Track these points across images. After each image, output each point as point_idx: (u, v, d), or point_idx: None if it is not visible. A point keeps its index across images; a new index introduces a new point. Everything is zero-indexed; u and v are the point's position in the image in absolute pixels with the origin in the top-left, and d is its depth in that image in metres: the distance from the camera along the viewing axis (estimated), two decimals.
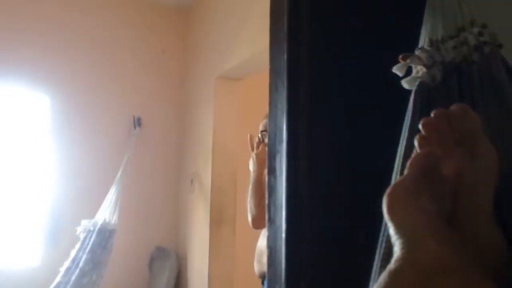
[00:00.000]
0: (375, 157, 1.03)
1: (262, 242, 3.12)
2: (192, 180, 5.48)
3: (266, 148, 3.19)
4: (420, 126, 0.71)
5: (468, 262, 0.57)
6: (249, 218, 3.18)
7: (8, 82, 5.28)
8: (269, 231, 1.21)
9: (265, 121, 3.32)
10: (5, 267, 5.13)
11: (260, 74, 2.98)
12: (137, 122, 5.69)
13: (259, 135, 3.30)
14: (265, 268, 2.99)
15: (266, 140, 3.22)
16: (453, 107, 0.71)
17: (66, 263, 4.83)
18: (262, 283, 3.15)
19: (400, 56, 0.91)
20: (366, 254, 0.87)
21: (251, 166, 3.26)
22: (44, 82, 5.41)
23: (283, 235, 1.15)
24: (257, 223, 3.15)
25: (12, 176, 5.30)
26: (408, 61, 0.89)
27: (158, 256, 5.68)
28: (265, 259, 2.96)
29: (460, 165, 0.69)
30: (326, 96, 1.22)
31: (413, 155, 0.69)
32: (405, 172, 0.67)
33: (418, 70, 0.88)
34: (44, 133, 5.45)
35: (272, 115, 1.27)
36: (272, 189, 1.23)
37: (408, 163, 0.68)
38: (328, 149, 1.21)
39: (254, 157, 3.25)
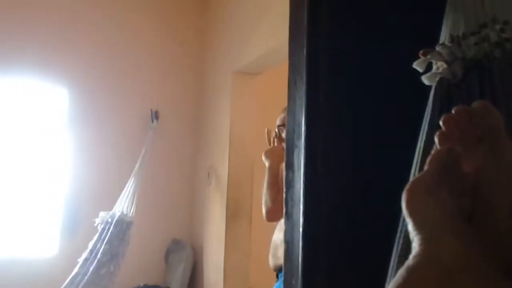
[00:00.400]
0: (394, 153, 1.03)
1: (277, 236, 3.12)
2: (208, 174, 5.49)
3: (283, 143, 3.19)
4: (441, 122, 0.71)
5: (487, 259, 0.57)
6: (264, 211, 3.19)
7: (26, 75, 5.32)
8: (286, 225, 1.22)
9: (282, 115, 3.31)
10: (23, 257, 5.18)
11: (279, 68, 2.97)
12: (155, 116, 5.70)
13: (276, 129, 3.30)
14: (280, 262, 2.98)
15: (284, 135, 3.22)
16: (475, 104, 0.70)
17: (84, 254, 4.86)
18: (277, 276, 3.15)
19: (421, 52, 0.90)
20: (384, 250, 0.87)
21: (265, 160, 3.27)
22: (62, 75, 5.44)
23: (300, 229, 1.15)
24: (271, 216, 3.16)
25: (31, 168, 5.35)
26: (428, 56, 0.89)
27: (174, 248, 5.70)
28: (280, 253, 2.96)
29: (480, 162, 0.68)
30: (345, 92, 1.22)
31: (433, 151, 0.69)
32: (425, 168, 0.67)
33: (439, 66, 0.88)
34: (62, 125, 5.49)
35: (290, 110, 1.27)
36: (289, 184, 1.23)
37: (428, 159, 0.67)
38: (347, 145, 1.21)
39: (266, 152, 3.26)
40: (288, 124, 1.29)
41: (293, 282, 1.16)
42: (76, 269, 4.74)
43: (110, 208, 5.07)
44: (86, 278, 4.69)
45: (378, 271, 0.86)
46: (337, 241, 1.15)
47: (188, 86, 5.94)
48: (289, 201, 1.22)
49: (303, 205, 1.16)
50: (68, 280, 4.70)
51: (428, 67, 0.92)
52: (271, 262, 3.16)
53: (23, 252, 5.20)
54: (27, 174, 5.31)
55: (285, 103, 1.32)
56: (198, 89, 5.94)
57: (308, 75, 1.21)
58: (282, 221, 3.22)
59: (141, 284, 5.35)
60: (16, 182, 5.26)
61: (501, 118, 0.70)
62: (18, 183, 5.27)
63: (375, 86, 1.21)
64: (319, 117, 1.20)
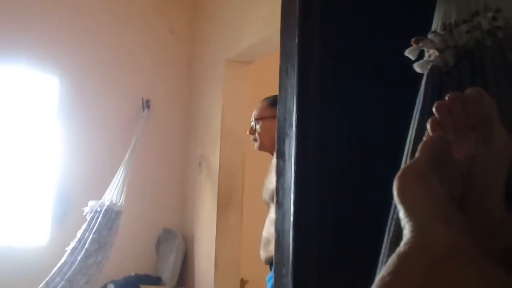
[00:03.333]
0: (385, 141, 1.03)
1: (268, 230, 3.14)
2: (200, 163, 5.48)
3: (256, 135, 3.22)
4: (433, 109, 0.70)
5: (478, 247, 0.57)
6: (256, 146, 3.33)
7: (17, 63, 5.29)
8: (277, 214, 1.22)
9: (259, 106, 3.37)
10: (14, 246, 5.17)
11: (271, 57, 2.97)
12: (146, 104, 5.69)
13: (252, 122, 3.34)
14: (271, 254, 2.99)
15: (258, 127, 3.26)
16: (468, 91, 0.70)
17: (72, 243, 4.86)
18: (270, 268, 3.17)
19: (413, 39, 0.90)
20: (375, 238, 0.87)
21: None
22: (53, 64, 5.41)
23: (291, 218, 1.15)
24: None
25: (20, 156, 5.33)
26: (420, 44, 0.88)
27: (165, 237, 5.70)
28: (271, 247, 2.96)
29: (472, 150, 0.68)
30: (337, 80, 1.22)
31: (424, 138, 0.68)
32: (416, 155, 0.67)
33: (431, 54, 0.88)
34: (52, 114, 5.46)
35: (281, 99, 1.27)
36: (281, 173, 1.23)
37: (419, 146, 0.67)
38: (338, 133, 1.20)
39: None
40: (279, 112, 1.28)
41: (284, 271, 1.16)
42: (64, 258, 4.74)
43: (100, 197, 5.07)
44: (73, 267, 4.69)
45: (370, 259, 0.86)
46: (328, 230, 1.15)
47: (180, 75, 5.92)
48: (280, 190, 1.22)
49: (294, 194, 1.16)
50: (55, 268, 4.70)
51: (420, 55, 0.91)
52: (263, 256, 3.18)
53: (14, 241, 5.19)
54: (18, 163, 5.29)
55: (276, 92, 1.32)
56: (189, 78, 5.92)
57: (300, 63, 1.21)
58: (272, 215, 3.21)
59: (132, 273, 5.35)
60: (6, 171, 5.24)
61: (495, 105, 0.70)
62: (9, 172, 5.25)
63: (367, 74, 1.20)
64: (311, 105, 1.20)
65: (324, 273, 1.14)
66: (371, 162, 1.14)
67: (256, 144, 3.35)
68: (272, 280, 2.98)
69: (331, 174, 1.18)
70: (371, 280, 0.60)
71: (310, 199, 1.16)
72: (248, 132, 3.38)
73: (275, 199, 1.24)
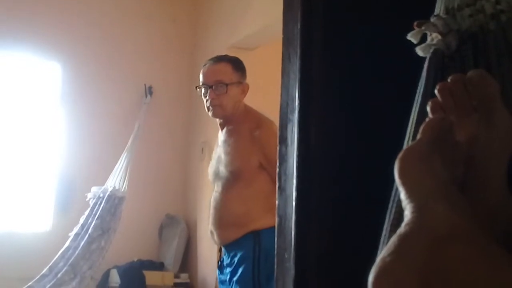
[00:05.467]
0: (388, 126, 1.03)
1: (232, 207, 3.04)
2: (202, 149, 5.49)
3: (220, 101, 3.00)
4: (436, 91, 0.70)
5: (478, 227, 0.57)
6: None
7: (19, 49, 5.28)
8: (279, 199, 1.22)
9: (221, 68, 3.14)
10: (18, 231, 5.20)
11: (274, 43, 2.95)
12: (148, 91, 5.69)
13: (209, 86, 3.09)
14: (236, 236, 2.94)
15: (220, 91, 2.98)
16: (471, 73, 0.70)
17: (76, 229, 4.88)
18: (220, 250, 3.15)
19: (415, 23, 0.90)
20: (377, 222, 0.87)
21: None
22: (56, 50, 5.41)
23: (293, 203, 1.15)
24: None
25: (23, 143, 5.34)
26: (423, 28, 0.88)
27: (168, 223, 5.72)
28: (234, 228, 2.90)
29: (474, 131, 0.68)
30: (339, 65, 1.21)
31: (426, 120, 0.68)
32: (418, 137, 0.67)
33: (433, 37, 0.87)
34: (55, 100, 5.46)
35: (284, 84, 1.26)
36: (283, 158, 1.23)
37: (421, 128, 0.67)
38: (340, 119, 1.20)
39: None
40: (282, 98, 1.28)
41: (286, 256, 1.16)
42: (67, 244, 4.77)
43: (103, 183, 5.08)
44: (76, 252, 4.72)
45: (372, 243, 0.86)
46: (330, 215, 1.16)
47: (182, 61, 5.92)
48: (282, 175, 1.22)
49: (296, 179, 1.16)
50: (59, 254, 4.73)
51: (423, 39, 0.91)
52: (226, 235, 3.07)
53: (17, 227, 5.22)
54: (21, 150, 5.30)
55: (280, 79, 1.32)
56: (192, 64, 5.91)
57: (302, 49, 1.21)
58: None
59: (135, 259, 5.38)
60: (10, 158, 5.25)
61: (497, 87, 0.69)
62: (12, 159, 5.26)
63: (370, 59, 1.20)
64: (313, 91, 1.19)
65: (326, 258, 1.14)
66: (373, 147, 1.14)
67: (216, 110, 3.09)
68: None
69: (334, 159, 1.18)
70: (373, 263, 0.60)
71: (313, 184, 1.16)
72: (209, 96, 3.08)
73: (277, 184, 1.24)
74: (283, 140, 1.24)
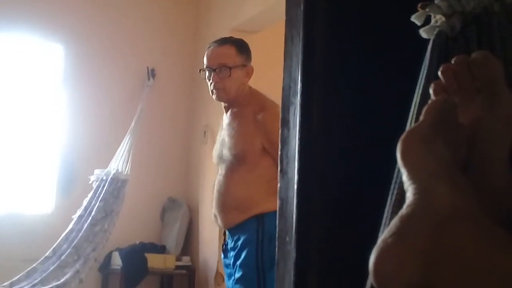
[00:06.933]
0: (391, 108, 1.02)
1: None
2: (205, 132, 5.49)
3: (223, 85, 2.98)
4: (439, 73, 0.70)
5: (481, 209, 0.57)
6: None
7: (22, 31, 5.27)
8: (281, 182, 1.22)
9: (224, 51, 3.12)
10: (21, 213, 5.22)
11: (277, 26, 2.93)
12: (151, 73, 5.68)
13: (213, 69, 3.08)
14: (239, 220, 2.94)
15: (224, 74, 2.96)
16: (475, 54, 0.69)
17: (79, 211, 4.90)
18: (224, 233, 3.16)
19: (419, 5, 0.89)
20: (379, 204, 0.87)
21: None
22: (58, 31, 5.39)
23: (295, 186, 1.15)
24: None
25: (26, 125, 5.34)
26: (427, 10, 0.87)
27: (170, 207, 5.74)
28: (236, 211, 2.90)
29: (478, 113, 0.68)
30: (342, 48, 1.21)
31: (429, 102, 0.68)
32: (420, 118, 0.66)
33: (437, 19, 0.87)
34: (57, 82, 5.46)
35: (286, 67, 1.26)
36: (285, 141, 1.23)
37: (423, 110, 0.67)
38: (343, 101, 1.20)
39: None
40: (284, 81, 1.28)
41: (287, 239, 1.16)
42: (70, 226, 4.79)
43: (106, 166, 5.09)
44: (80, 234, 4.74)
45: (374, 225, 0.86)
46: (332, 198, 1.16)
47: (185, 44, 5.90)
48: (284, 158, 1.22)
49: (298, 162, 1.16)
50: (62, 236, 4.76)
51: (427, 21, 0.90)
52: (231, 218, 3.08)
53: (20, 208, 5.24)
54: (23, 132, 5.31)
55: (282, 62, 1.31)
56: (195, 47, 5.89)
57: (305, 31, 1.20)
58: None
59: (137, 242, 5.40)
60: (12, 139, 5.26)
61: (501, 68, 0.69)
62: (14, 140, 5.27)
63: (373, 41, 1.19)
64: (316, 73, 1.19)
65: (328, 241, 1.14)
66: (376, 129, 1.14)
67: (220, 93, 3.08)
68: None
69: (336, 142, 1.18)
70: (373, 244, 0.60)
71: (315, 167, 1.16)
72: (212, 80, 3.06)
73: (279, 167, 1.24)
74: (285, 123, 1.24)
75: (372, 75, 1.18)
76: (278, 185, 1.23)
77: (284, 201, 1.20)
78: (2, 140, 5.24)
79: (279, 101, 1.32)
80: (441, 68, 0.69)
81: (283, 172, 1.22)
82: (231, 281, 3.02)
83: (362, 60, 1.20)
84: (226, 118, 3.18)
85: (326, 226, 1.14)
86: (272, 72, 3.30)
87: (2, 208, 5.13)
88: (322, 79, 1.19)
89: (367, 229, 0.88)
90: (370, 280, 0.61)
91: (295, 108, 1.20)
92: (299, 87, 1.19)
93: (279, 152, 1.25)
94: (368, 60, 1.19)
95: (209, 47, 3.17)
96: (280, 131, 1.25)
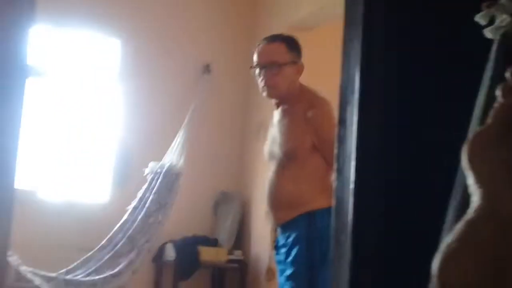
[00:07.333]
0: (454, 108, 1.01)
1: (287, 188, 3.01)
2: (258, 129, 5.50)
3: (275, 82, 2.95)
4: (507, 75, 0.68)
5: None
6: None
7: (81, 26, 5.38)
8: (337, 181, 1.21)
9: (275, 49, 3.09)
10: (78, 202, 5.34)
11: (334, 23, 2.91)
12: (207, 69, 5.72)
13: (263, 67, 3.06)
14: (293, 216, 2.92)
15: (275, 72, 2.95)
16: None
17: (134, 203, 4.98)
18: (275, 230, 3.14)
19: (484, 4, 0.87)
20: (436, 208, 0.86)
21: None
22: (116, 27, 5.48)
23: (351, 186, 1.15)
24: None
25: (84, 118, 5.46)
26: (492, 9, 0.85)
27: (222, 200, 5.77)
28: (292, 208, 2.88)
29: None
30: (402, 47, 1.19)
31: (496, 105, 0.66)
32: (487, 121, 0.65)
33: (502, 19, 0.85)
34: (115, 76, 5.56)
35: (344, 66, 1.25)
36: (341, 140, 1.22)
37: (491, 113, 0.65)
38: (401, 101, 1.19)
39: None
40: (342, 80, 1.27)
41: (343, 238, 1.16)
42: (125, 217, 4.87)
43: (160, 159, 5.15)
44: (134, 225, 4.81)
45: (431, 228, 0.85)
46: (390, 198, 1.15)
47: (241, 40, 5.91)
48: (340, 157, 1.22)
49: (354, 161, 1.15)
50: (117, 226, 4.84)
51: (491, 21, 0.88)
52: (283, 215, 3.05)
53: (78, 197, 5.36)
54: (82, 125, 5.43)
55: (337, 59, 1.30)
56: (251, 44, 5.88)
57: (364, 30, 1.19)
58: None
59: (190, 234, 5.45)
60: (72, 131, 5.39)
61: None
62: (74, 132, 5.40)
63: (435, 41, 1.17)
64: (374, 73, 1.18)
65: (384, 241, 1.13)
66: (435, 130, 1.12)
67: (270, 91, 3.07)
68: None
69: (393, 141, 1.17)
70: (429, 248, 0.59)
71: (371, 166, 1.15)
72: (263, 77, 3.06)
73: (335, 166, 1.23)
74: (342, 121, 1.23)
75: (432, 75, 1.17)
76: (334, 184, 1.23)
77: (339, 201, 1.20)
78: (63, 132, 5.37)
79: (331, 98, 1.32)
80: (510, 70, 0.68)
81: (339, 171, 1.22)
82: (282, 277, 3.02)
83: (424, 58, 1.18)
84: (276, 114, 3.17)
85: (384, 227, 1.13)
86: (327, 68, 3.28)
87: (61, 196, 5.26)
88: (380, 78, 1.18)
89: (425, 233, 0.87)
90: (433, 286, 0.60)
91: (352, 107, 1.19)
92: (357, 86, 1.18)
93: (336, 151, 1.24)
94: (430, 60, 1.17)
95: (259, 44, 3.17)
96: (336, 130, 1.25)
